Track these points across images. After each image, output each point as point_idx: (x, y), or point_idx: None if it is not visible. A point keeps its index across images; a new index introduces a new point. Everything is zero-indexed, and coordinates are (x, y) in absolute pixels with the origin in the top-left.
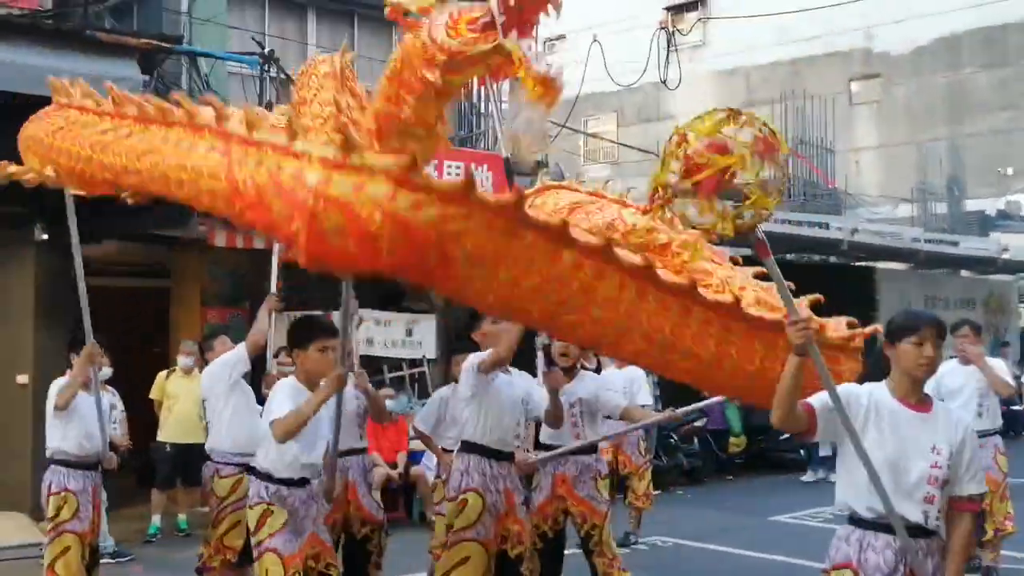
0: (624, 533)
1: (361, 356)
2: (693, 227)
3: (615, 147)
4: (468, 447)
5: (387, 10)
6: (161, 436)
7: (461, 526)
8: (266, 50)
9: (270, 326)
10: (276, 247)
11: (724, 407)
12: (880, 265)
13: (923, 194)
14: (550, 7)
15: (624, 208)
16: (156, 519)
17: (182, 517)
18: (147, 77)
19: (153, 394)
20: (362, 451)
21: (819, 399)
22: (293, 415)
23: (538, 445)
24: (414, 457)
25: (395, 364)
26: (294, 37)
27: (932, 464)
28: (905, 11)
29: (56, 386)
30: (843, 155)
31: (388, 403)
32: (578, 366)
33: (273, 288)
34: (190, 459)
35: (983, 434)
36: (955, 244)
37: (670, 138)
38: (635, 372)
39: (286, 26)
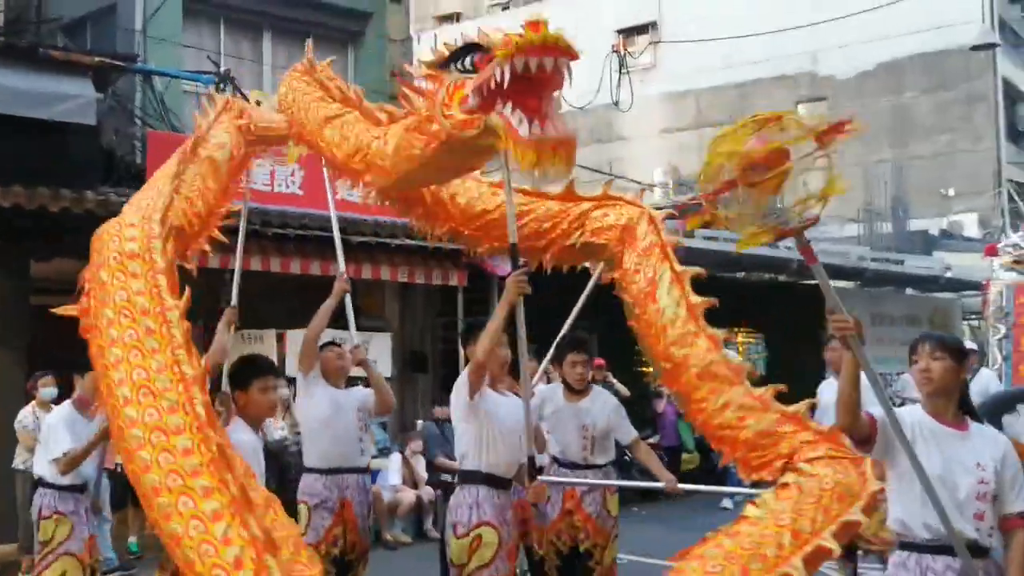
0: None
1: None
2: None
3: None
4: (472, 477)
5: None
6: (110, 457)
7: (477, 566)
8: (222, 69)
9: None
10: (238, 263)
11: (677, 424)
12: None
13: (869, 214)
14: (562, 79)
15: None
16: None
17: (133, 539)
18: (100, 95)
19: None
20: (363, 470)
21: (879, 411)
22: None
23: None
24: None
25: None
26: (250, 56)
27: (979, 480)
28: (849, 36)
29: (51, 419)
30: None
31: None
32: (591, 386)
33: (234, 301)
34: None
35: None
36: (900, 263)
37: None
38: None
39: (241, 45)
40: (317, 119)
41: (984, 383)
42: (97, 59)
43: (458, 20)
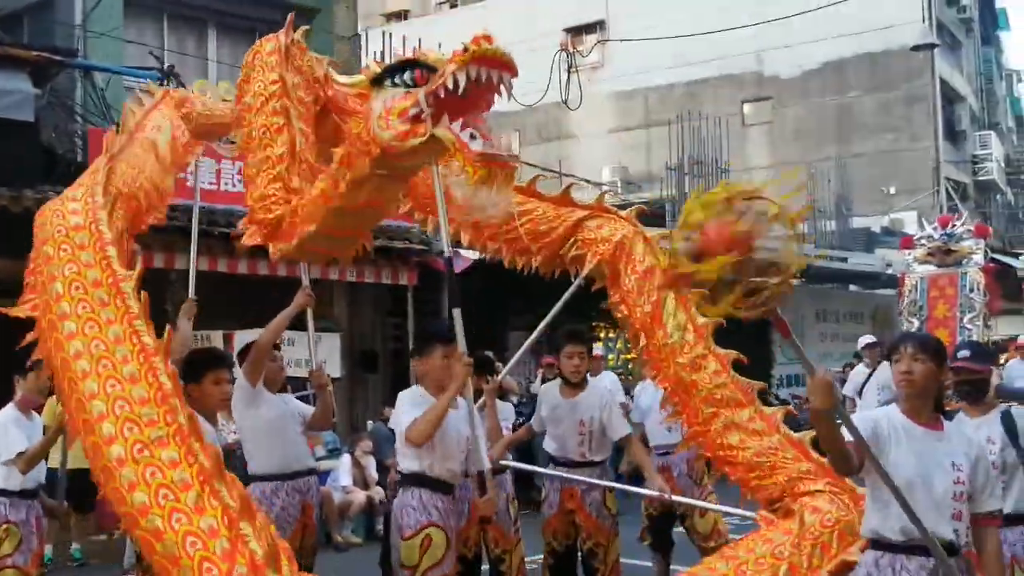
0: None
1: None
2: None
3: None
4: (414, 480)
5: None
6: (52, 462)
7: (429, 565)
8: (165, 65)
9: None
10: (193, 255)
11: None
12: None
13: (813, 212)
14: (502, 88)
15: None
16: (48, 548)
17: (76, 547)
18: (39, 91)
19: (45, 418)
20: (314, 471)
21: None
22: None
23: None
24: (321, 478)
25: (299, 385)
26: (194, 52)
27: (955, 480)
28: (793, 37)
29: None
30: (737, 174)
31: None
32: (588, 378)
33: (191, 293)
34: (84, 485)
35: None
36: (844, 260)
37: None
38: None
39: (185, 41)
40: (256, 135)
41: (886, 376)
42: (35, 54)
43: (406, 18)
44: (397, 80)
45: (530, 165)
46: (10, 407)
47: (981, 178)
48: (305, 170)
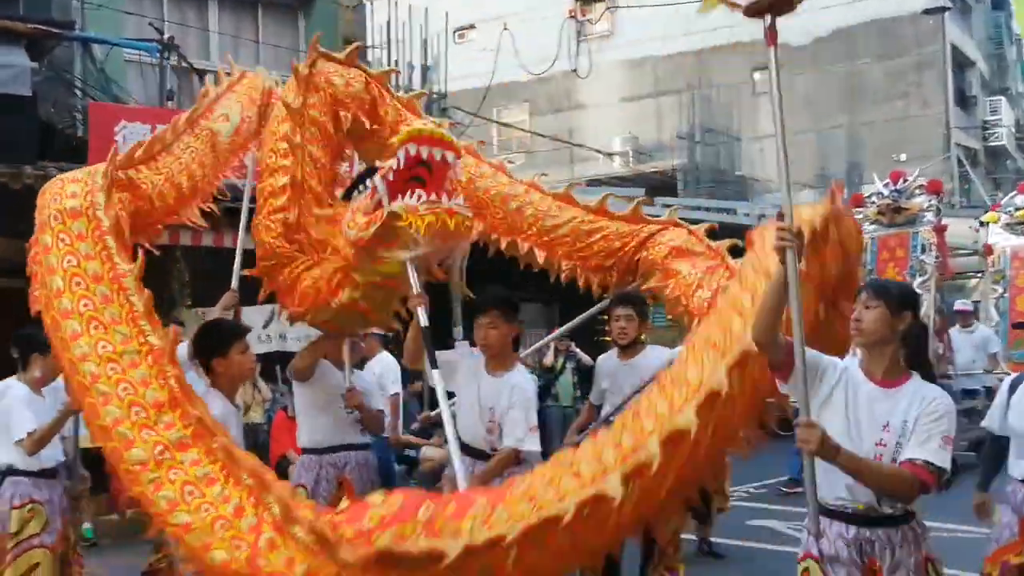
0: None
1: (269, 353)
2: None
3: (528, 136)
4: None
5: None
6: (84, 442)
7: None
8: (165, 37)
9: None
10: (239, 244)
11: None
12: None
13: (824, 180)
14: (455, 168)
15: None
16: (87, 525)
17: (87, 526)
18: (35, 64)
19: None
20: (363, 446)
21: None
22: None
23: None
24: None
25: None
26: (195, 24)
27: (877, 442)
28: (804, 4)
29: (7, 402)
30: (748, 143)
31: None
32: (642, 339)
33: (235, 284)
34: (96, 464)
35: None
36: None
37: None
38: None
39: (186, 12)
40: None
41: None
42: (31, 26)
43: None
44: (362, 187)
45: (541, 136)
46: (21, 385)
47: (992, 144)
48: (310, 200)
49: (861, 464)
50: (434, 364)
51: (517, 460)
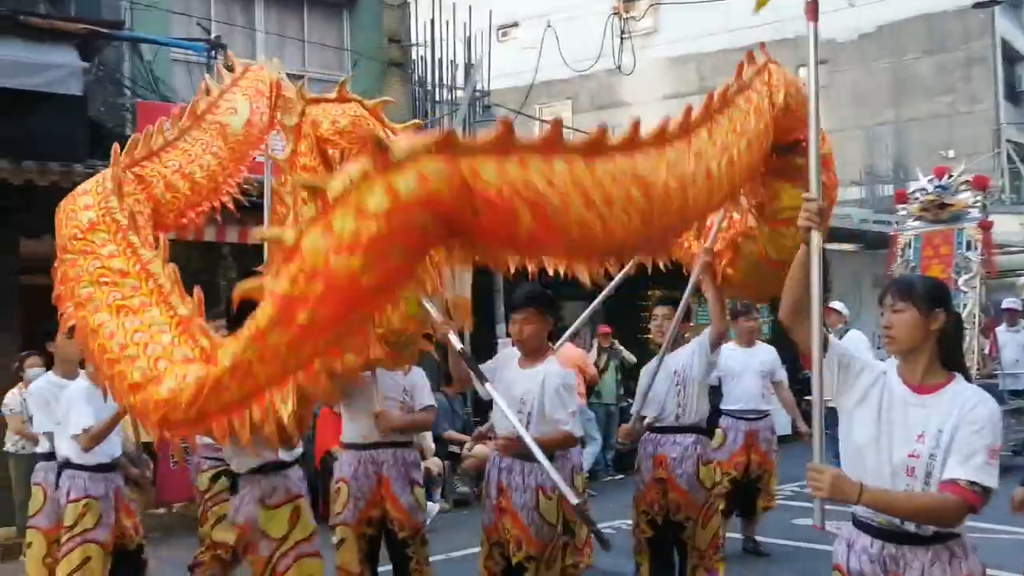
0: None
1: None
2: None
3: (571, 134)
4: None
5: None
6: (145, 436)
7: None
8: (212, 36)
9: None
10: None
11: None
12: (831, 246)
13: (870, 177)
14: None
15: None
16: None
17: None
18: (87, 64)
19: None
20: (404, 444)
21: (842, 344)
22: None
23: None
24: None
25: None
26: (241, 23)
27: (911, 453)
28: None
29: (68, 394)
30: None
31: None
32: (684, 336)
33: None
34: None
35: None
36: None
37: None
38: (770, 351)
39: (233, 11)
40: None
41: (853, 343)
42: (82, 26)
43: None
44: None
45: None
46: (83, 378)
47: None
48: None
49: (892, 500)
50: (483, 380)
51: (572, 442)
